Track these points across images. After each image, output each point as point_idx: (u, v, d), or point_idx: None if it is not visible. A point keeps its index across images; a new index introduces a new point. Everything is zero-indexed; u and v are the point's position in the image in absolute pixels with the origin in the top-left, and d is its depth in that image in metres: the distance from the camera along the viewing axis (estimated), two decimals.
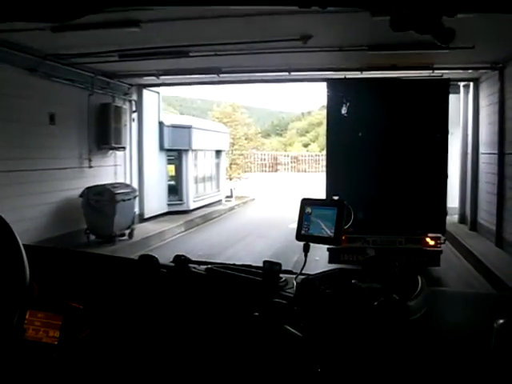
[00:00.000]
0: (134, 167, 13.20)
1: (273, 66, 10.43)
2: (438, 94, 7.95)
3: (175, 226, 13.34)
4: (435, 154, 7.93)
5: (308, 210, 1.49)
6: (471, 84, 12.23)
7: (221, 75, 10.84)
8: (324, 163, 8.96)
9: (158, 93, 14.51)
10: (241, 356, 1.24)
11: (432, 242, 7.81)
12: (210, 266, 1.71)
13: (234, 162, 23.97)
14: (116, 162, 12.27)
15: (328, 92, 8.22)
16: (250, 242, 11.82)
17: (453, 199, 14.34)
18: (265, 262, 1.59)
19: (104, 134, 11.28)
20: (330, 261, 7.55)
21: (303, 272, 1.54)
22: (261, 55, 8.95)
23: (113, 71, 11.31)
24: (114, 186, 10.70)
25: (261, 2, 1.26)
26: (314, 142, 58.03)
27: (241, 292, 1.52)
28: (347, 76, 9.61)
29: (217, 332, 1.41)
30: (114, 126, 11.38)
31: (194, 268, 1.69)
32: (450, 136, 8.26)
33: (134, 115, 13.20)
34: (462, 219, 13.14)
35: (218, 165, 19.76)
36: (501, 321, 1.03)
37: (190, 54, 8.91)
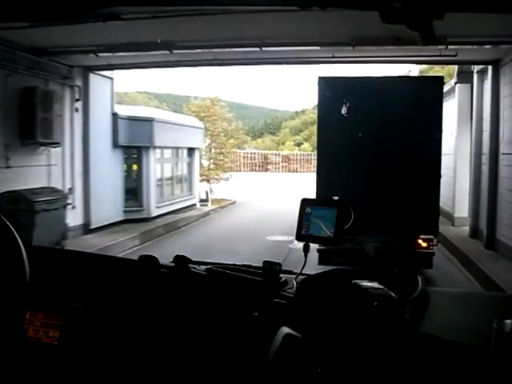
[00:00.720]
0: (76, 167, 10.85)
1: (242, 40, 8.12)
2: (432, 92, 7.83)
3: (128, 239, 11.01)
4: (428, 153, 7.83)
5: (308, 210, 1.48)
6: (489, 68, 9.94)
7: (175, 52, 8.55)
8: (316, 163, 8.88)
9: (111, 78, 12.14)
10: (240, 356, 1.26)
11: (424, 244, 7.71)
12: (210, 266, 1.71)
13: (214, 161, 21.77)
14: (50, 161, 9.89)
15: (319, 90, 7.98)
16: (216, 260, 9.55)
17: (462, 208, 12.09)
18: (265, 262, 1.62)
19: (28, 125, 8.87)
20: (320, 262, 7.19)
21: (303, 272, 1.53)
22: (226, 24, 6.94)
23: (40, 47, 8.92)
24: (35, 191, 8.36)
25: (261, 2, 1.36)
26: (306, 140, 57.13)
27: (241, 292, 1.53)
28: (335, 55, 9.04)
29: (217, 332, 1.45)
30: (41, 115, 8.98)
31: (194, 268, 1.69)
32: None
33: (78, 104, 10.81)
34: (474, 233, 10.95)
35: (190, 164, 17.44)
36: (501, 321, 1.01)
37: (122, 17, 6.59)
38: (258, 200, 21.41)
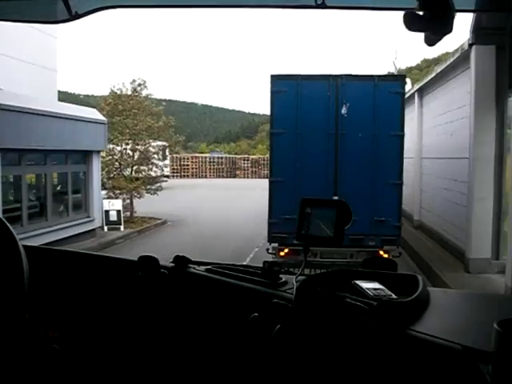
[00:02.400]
0: None
1: None
2: (393, 91, 7.70)
3: None
4: (390, 155, 7.73)
5: (308, 210, 1.46)
6: None
7: None
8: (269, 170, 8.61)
9: None
10: (240, 356, 1.27)
11: (386, 256, 7.36)
12: (209, 266, 1.70)
13: (137, 169, 16.91)
14: None
15: (272, 87, 7.76)
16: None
17: (482, 243, 7.52)
18: (265, 262, 1.62)
19: None
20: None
21: (303, 272, 1.53)
22: None
23: None
24: None
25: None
26: None
27: (241, 292, 1.53)
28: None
29: (217, 332, 1.46)
30: None
31: (194, 268, 1.68)
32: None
33: None
34: None
35: (85, 174, 12.56)
36: (501, 321, 0.98)
37: None
38: (202, 217, 16.96)
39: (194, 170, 45.90)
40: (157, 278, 1.57)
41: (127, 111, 16.29)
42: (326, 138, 7.74)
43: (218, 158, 48.01)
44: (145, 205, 16.34)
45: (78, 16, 1.22)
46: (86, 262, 1.79)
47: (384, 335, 1.19)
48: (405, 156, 8.17)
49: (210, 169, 46.12)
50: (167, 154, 31.20)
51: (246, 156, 48.70)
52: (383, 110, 7.68)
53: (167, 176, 30.97)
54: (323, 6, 1.12)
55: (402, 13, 0.99)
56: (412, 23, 0.95)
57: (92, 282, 1.67)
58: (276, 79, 7.80)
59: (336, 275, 1.52)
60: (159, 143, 24.55)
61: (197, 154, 50.59)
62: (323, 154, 7.73)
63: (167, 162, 33.50)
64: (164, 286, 1.57)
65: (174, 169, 43.88)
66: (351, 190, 7.50)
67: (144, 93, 17.17)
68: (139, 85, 17.00)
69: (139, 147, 16.73)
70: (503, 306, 1.45)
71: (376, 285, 1.39)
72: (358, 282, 1.41)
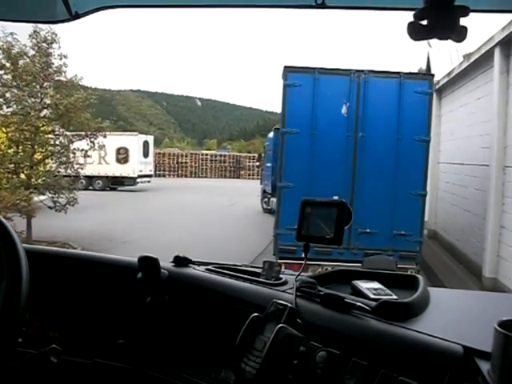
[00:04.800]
0: None
1: None
2: (420, 90, 7.03)
3: None
4: (413, 162, 7.07)
5: (308, 210, 1.48)
6: None
7: None
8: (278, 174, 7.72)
9: None
10: (240, 356, 1.26)
11: None
12: (209, 266, 1.73)
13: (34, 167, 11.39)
14: None
15: (285, 81, 6.99)
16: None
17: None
18: (265, 262, 1.65)
19: None
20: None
21: (303, 272, 1.54)
22: None
23: None
24: None
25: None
26: None
27: (241, 292, 1.54)
28: None
29: (216, 332, 1.47)
30: None
31: (194, 268, 1.70)
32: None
33: None
34: None
35: None
36: (501, 321, 0.99)
37: None
38: (132, 244, 11.33)
39: (194, 169, 43.08)
40: (157, 277, 1.58)
41: (19, 78, 10.96)
42: (344, 141, 7.04)
43: (221, 155, 45.63)
44: (65, 219, 11.69)
45: (78, 16, 1.27)
46: (86, 262, 1.82)
47: (384, 335, 1.20)
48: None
49: (211, 167, 43.32)
50: (150, 148, 29.26)
51: (252, 155, 45.51)
52: (408, 111, 7.04)
53: (149, 175, 29.08)
54: (323, 6, 1.16)
55: (403, 13, 1.07)
56: (415, 33, 0.96)
57: (92, 281, 1.71)
58: (290, 71, 7.03)
59: (336, 275, 1.58)
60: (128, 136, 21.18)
61: (196, 151, 47.67)
62: (340, 158, 7.05)
63: (150, 158, 29.70)
64: (164, 286, 1.59)
65: (170, 167, 41.90)
66: (369, 200, 7.07)
67: (56, 53, 11.49)
68: (45, 40, 11.27)
69: (27, 133, 11.06)
70: (503, 306, 1.48)
71: (376, 285, 1.43)
72: (357, 281, 1.45)
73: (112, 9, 1.29)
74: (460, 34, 0.95)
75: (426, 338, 1.15)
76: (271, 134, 19.31)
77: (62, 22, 1.29)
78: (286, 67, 7.10)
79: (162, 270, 1.58)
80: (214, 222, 15.70)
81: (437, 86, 11.55)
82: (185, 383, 1.46)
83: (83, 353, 1.57)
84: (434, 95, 10.29)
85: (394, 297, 1.35)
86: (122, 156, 27.36)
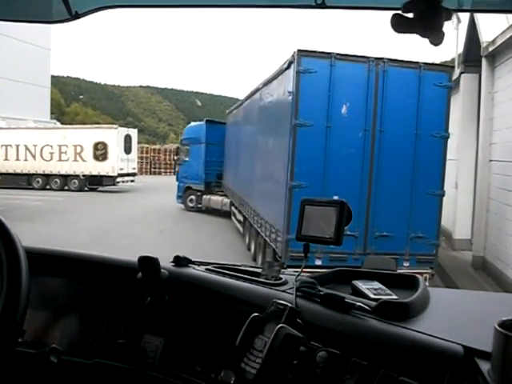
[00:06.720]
0: None
1: None
2: (439, 83, 6.59)
3: None
4: (431, 160, 6.67)
5: (308, 210, 1.47)
6: None
7: None
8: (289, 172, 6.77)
9: None
10: (240, 356, 1.26)
11: None
12: (209, 266, 1.74)
13: None
14: None
15: (298, 66, 6.32)
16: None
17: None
18: (264, 262, 1.72)
19: None
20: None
21: (303, 272, 1.56)
22: None
23: None
24: None
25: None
26: None
27: (241, 292, 1.54)
28: None
29: (216, 332, 1.48)
30: None
31: (194, 268, 1.71)
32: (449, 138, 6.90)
33: None
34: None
35: None
36: (501, 321, 0.98)
37: None
38: None
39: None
40: (157, 278, 1.57)
41: None
42: (362, 136, 6.54)
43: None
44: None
45: (78, 16, 1.27)
46: (86, 262, 1.81)
47: (384, 335, 1.20)
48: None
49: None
50: (134, 143, 26.15)
51: None
52: (427, 105, 6.64)
53: (132, 174, 26.15)
54: (323, 6, 1.13)
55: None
56: (398, 25, 0.96)
57: (92, 282, 1.71)
58: (303, 56, 6.39)
59: (336, 275, 1.59)
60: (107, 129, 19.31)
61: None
62: (356, 155, 6.57)
63: (133, 155, 26.41)
64: (164, 286, 1.59)
65: (166, 164, 40.11)
66: (387, 200, 6.75)
67: None
68: None
69: None
70: (503, 306, 1.48)
71: (376, 285, 1.44)
72: (358, 281, 1.46)
73: (112, 9, 1.30)
74: (438, 38, 0.96)
75: (426, 338, 1.15)
76: (193, 126, 18.55)
77: (62, 21, 1.30)
78: (299, 51, 6.47)
79: (162, 270, 1.59)
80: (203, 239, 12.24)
81: (486, 52, 9.26)
82: (185, 383, 1.48)
83: (83, 353, 1.59)
84: (483, 63, 9.34)
85: (394, 297, 1.36)
86: (100, 152, 24.21)
